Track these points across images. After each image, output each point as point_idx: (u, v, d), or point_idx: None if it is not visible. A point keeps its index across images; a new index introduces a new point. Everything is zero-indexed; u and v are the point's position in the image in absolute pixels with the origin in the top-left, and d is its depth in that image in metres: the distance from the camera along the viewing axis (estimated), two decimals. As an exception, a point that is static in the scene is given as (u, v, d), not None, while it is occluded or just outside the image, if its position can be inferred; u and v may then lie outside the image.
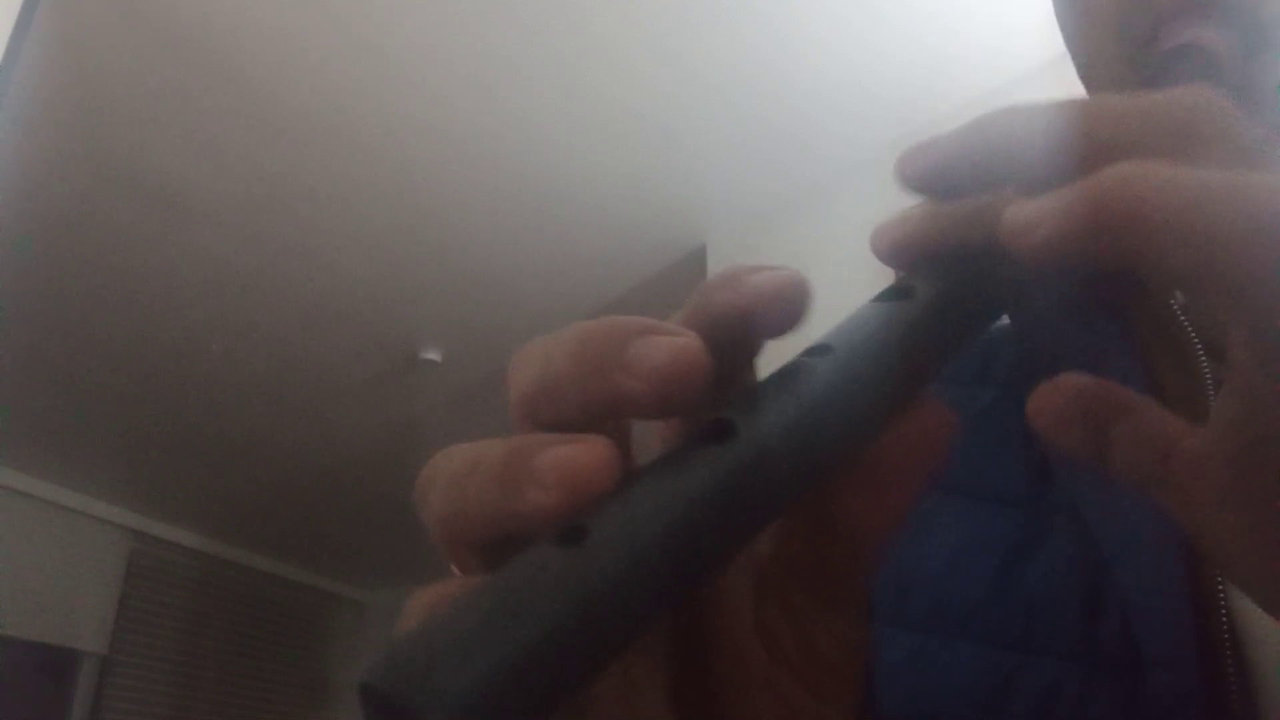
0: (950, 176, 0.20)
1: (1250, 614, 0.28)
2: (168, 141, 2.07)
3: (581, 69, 1.89)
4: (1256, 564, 0.20)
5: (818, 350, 0.17)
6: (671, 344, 0.16)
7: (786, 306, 0.17)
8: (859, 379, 0.17)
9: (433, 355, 2.89)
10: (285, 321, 2.75)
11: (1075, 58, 0.38)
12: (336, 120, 2.01)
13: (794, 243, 2.18)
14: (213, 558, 4.40)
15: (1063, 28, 0.38)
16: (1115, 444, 0.21)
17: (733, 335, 0.18)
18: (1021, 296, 0.20)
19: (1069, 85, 0.41)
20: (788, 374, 0.17)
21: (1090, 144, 0.18)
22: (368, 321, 2.75)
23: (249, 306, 2.67)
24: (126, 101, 1.96)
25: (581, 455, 0.15)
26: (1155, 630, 0.29)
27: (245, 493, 3.97)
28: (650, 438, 0.19)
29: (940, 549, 0.35)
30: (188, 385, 3.10)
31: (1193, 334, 0.34)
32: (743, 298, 0.17)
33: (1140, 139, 0.18)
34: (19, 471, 3.66)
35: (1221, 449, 0.19)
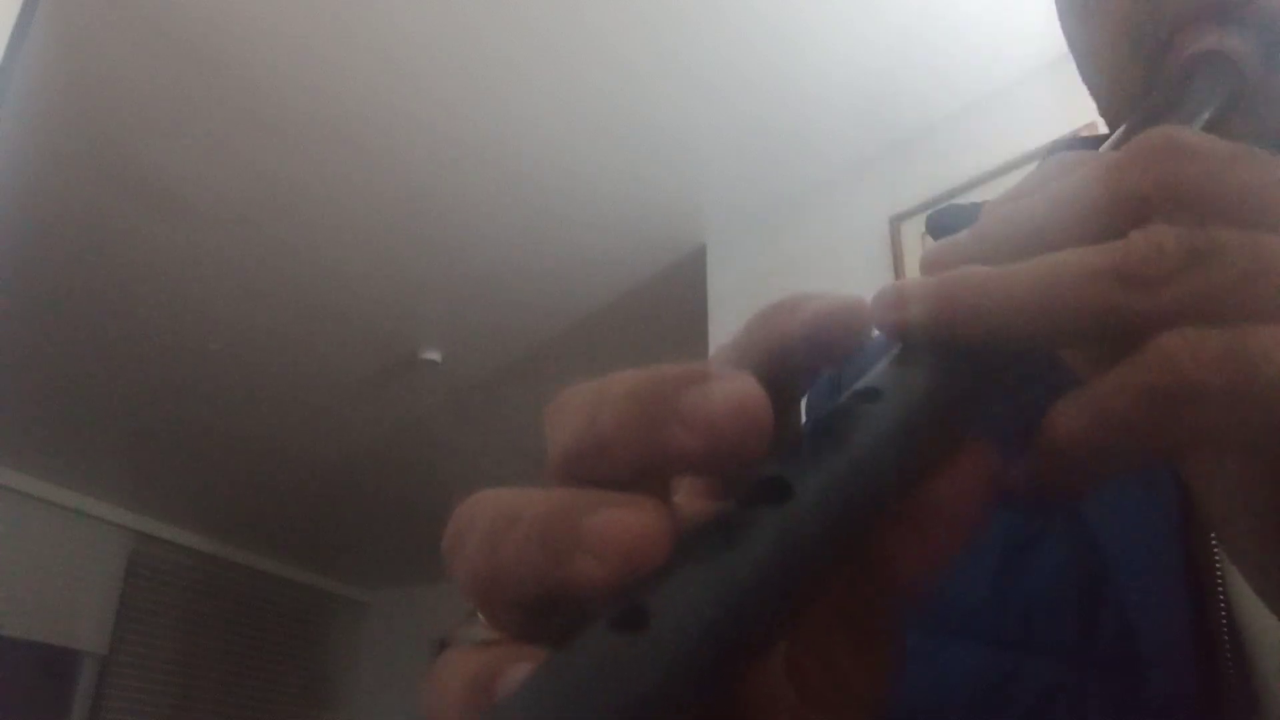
0: (922, 335, 0.18)
1: (1251, 614, 0.28)
2: (168, 141, 2.07)
3: (581, 69, 1.89)
4: (1257, 539, 0.20)
5: (865, 395, 0.16)
6: (730, 393, 0.15)
7: (848, 329, 0.17)
8: (914, 428, 0.16)
9: (433, 355, 2.89)
10: (285, 321, 2.75)
11: (1082, 66, 0.37)
12: (337, 120, 2.01)
13: (793, 244, 2.18)
14: (213, 558, 4.40)
15: (1068, 34, 0.37)
16: None
17: (790, 365, 0.17)
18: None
19: (1069, 87, 0.41)
20: (838, 422, 0.16)
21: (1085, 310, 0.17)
22: (368, 321, 2.75)
23: (249, 306, 2.68)
24: (126, 101, 1.96)
25: (636, 524, 0.14)
26: (1154, 630, 0.29)
27: (245, 493, 3.97)
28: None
29: None
30: (188, 385, 3.10)
31: None
32: (803, 322, 0.17)
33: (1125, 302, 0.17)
34: (19, 471, 3.67)
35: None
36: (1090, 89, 0.37)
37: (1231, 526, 0.21)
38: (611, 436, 0.15)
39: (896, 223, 1.92)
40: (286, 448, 3.57)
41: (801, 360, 0.17)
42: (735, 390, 0.15)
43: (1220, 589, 0.29)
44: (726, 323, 2.20)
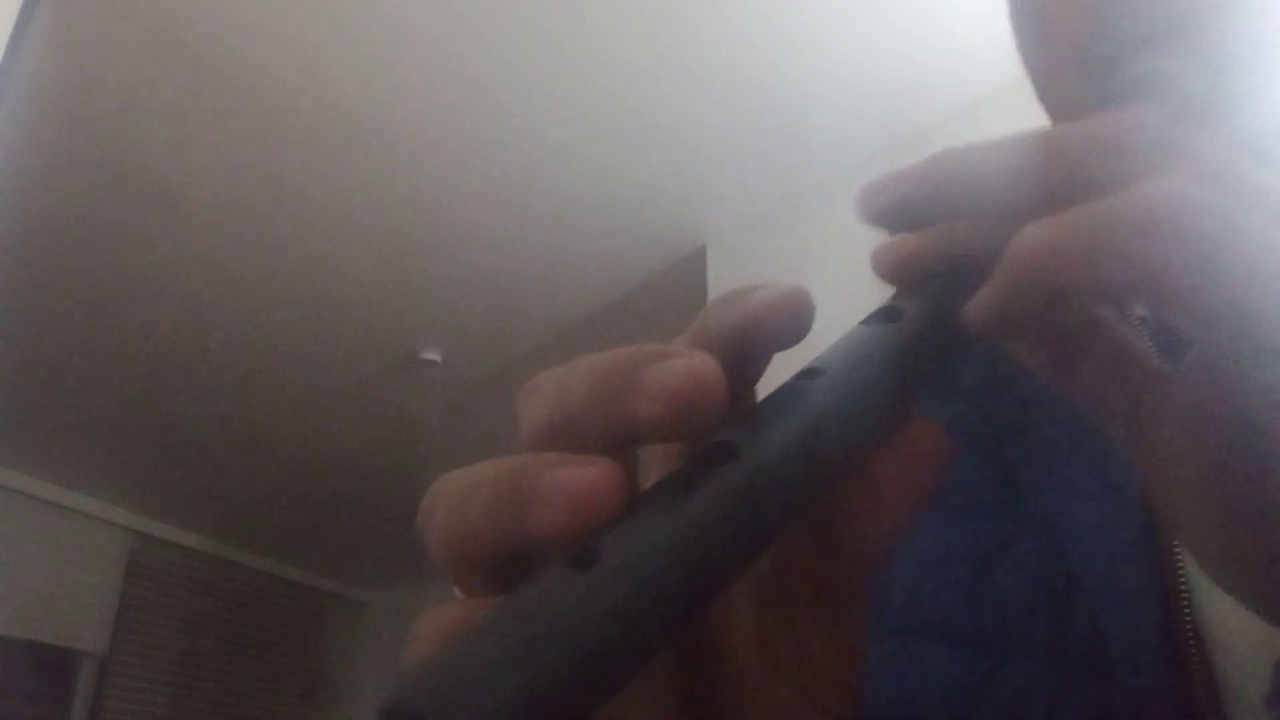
0: (908, 211, 0.21)
1: (1212, 613, 0.29)
2: (168, 142, 2.07)
3: (581, 69, 1.89)
4: (1203, 524, 0.21)
5: (811, 374, 0.18)
6: (685, 365, 0.16)
7: (792, 317, 0.18)
8: (852, 401, 0.18)
9: (433, 355, 2.89)
10: (285, 321, 2.75)
11: (1036, 87, 0.37)
12: (337, 121, 2.02)
13: (793, 244, 2.18)
14: (213, 558, 4.40)
15: (1023, 55, 0.37)
16: (1088, 368, 0.22)
17: (739, 352, 0.18)
18: None
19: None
20: (783, 397, 0.18)
21: (1045, 177, 0.19)
22: (368, 321, 2.75)
23: (249, 306, 2.68)
24: (127, 101, 1.96)
25: (589, 476, 0.15)
26: (1122, 631, 0.30)
27: (245, 493, 3.97)
28: (648, 464, 0.20)
29: (913, 556, 0.36)
30: (187, 385, 3.11)
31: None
32: (748, 312, 0.18)
33: (1088, 168, 0.19)
34: (19, 471, 3.67)
35: (1182, 406, 0.20)
36: (1045, 109, 0.37)
37: (1189, 527, 0.22)
38: (579, 410, 0.17)
39: (896, 223, 1.92)
40: (287, 448, 3.57)
41: (752, 345, 0.18)
42: (690, 362, 0.16)
43: (1184, 588, 0.30)
44: (726, 323, 2.20)
